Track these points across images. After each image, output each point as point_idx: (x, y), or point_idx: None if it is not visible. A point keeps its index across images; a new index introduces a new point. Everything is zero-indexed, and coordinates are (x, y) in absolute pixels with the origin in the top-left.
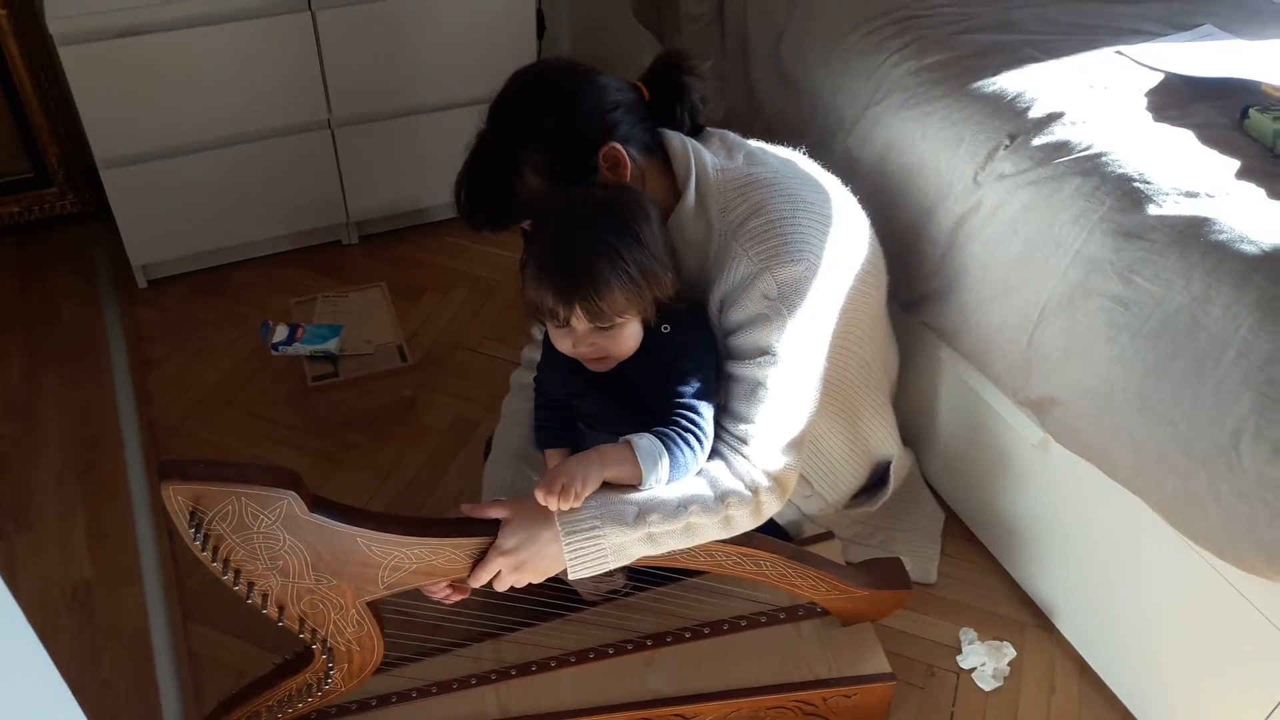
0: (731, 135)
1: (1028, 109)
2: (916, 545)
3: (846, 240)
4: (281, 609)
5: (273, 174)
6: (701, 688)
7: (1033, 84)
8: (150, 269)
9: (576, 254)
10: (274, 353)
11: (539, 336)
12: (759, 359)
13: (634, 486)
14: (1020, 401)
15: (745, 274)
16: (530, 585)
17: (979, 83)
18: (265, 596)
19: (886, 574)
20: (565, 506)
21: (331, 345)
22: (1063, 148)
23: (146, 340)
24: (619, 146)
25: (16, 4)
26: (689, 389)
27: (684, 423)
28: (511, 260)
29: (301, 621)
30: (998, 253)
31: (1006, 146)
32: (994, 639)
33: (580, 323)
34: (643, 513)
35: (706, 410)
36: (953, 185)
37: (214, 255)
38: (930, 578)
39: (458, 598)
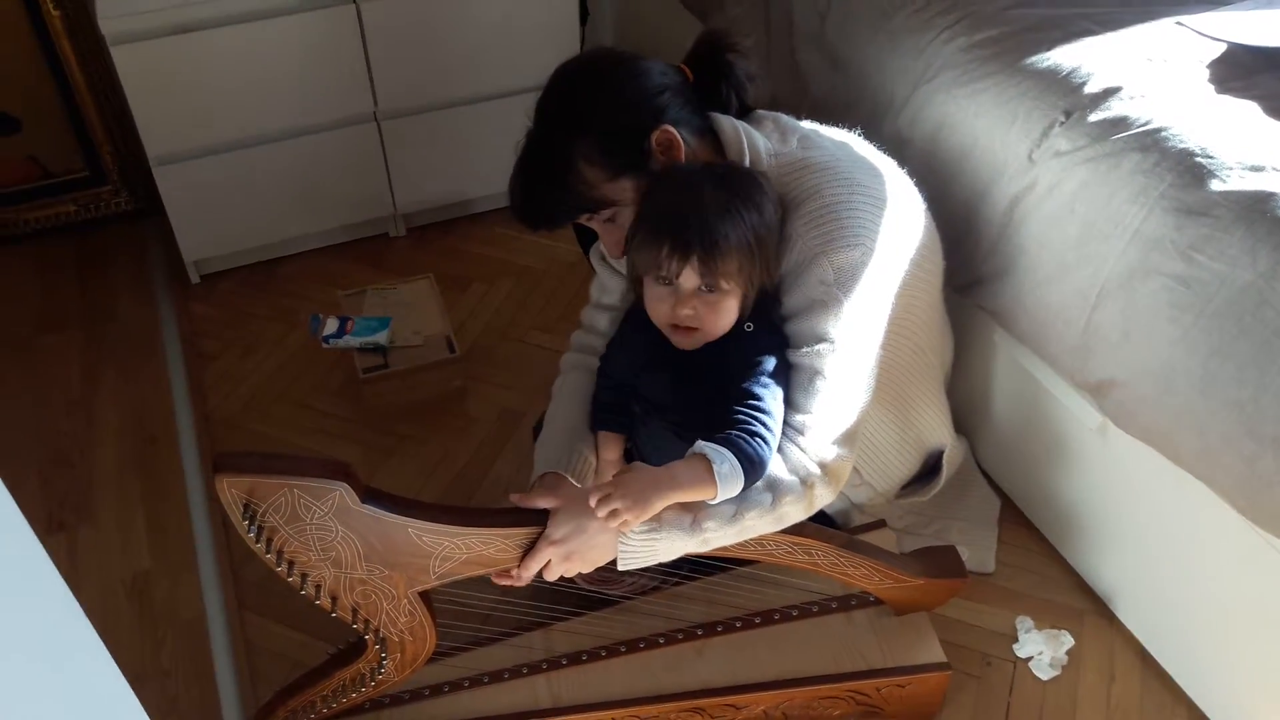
0: (785, 118)
1: (1083, 84)
2: (972, 534)
3: (902, 223)
4: (334, 600)
5: (320, 168)
6: (753, 677)
7: (1088, 58)
8: (202, 264)
9: (702, 208)
10: (325, 345)
11: (599, 298)
12: (817, 347)
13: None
14: (1078, 385)
15: (802, 258)
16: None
17: (1033, 58)
18: (318, 588)
19: (941, 562)
20: (613, 523)
21: (381, 337)
22: (1120, 123)
23: (200, 335)
24: (670, 129)
25: (70, 5)
26: (765, 390)
27: (760, 429)
28: (556, 250)
29: (354, 612)
30: (1054, 232)
31: (1062, 123)
32: (1052, 627)
33: (689, 279)
34: (699, 520)
35: (777, 412)
36: (1007, 164)
37: (264, 249)
38: (988, 566)
39: (516, 584)
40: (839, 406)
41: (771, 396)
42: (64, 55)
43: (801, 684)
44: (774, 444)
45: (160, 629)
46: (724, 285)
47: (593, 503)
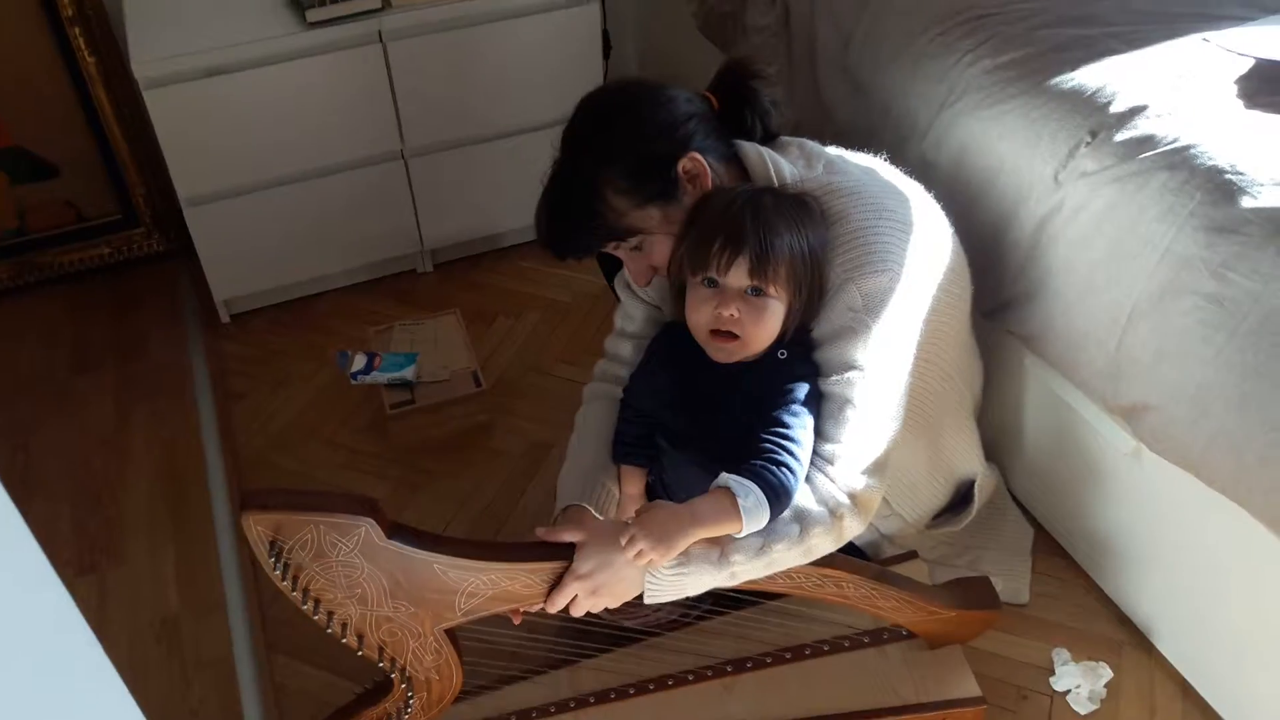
0: (810, 143)
1: (1109, 103)
2: (1005, 564)
3: (930, 248)
4: (361, 638)
5: (348, 206)
6: (783, 714)
7: (1114, 77)
8: (233, 303)
9: (760, 210)
10: (353, 381)
11: (624, 326)
12: (847, 375)
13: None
14: (1110, 408)
15: (829, 285)
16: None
17: (1057, 78)
18: (344, 625)
19: (974, 593)
20: (641, 561)
21: (408, 373)
22: (1147, 142)
23: (230, 373)
24: (698, 156)
25: (105, 53)
26: (794, 419)
27: (785, 458)
28: (581, 282)
29: (380, 650)
30: (1082, 253)
31: (1088, 143)
32: (1089, 659)
33: (738, 278)
34: (726, 553)
35: (806, 441)
36: (1033, 185)
37: (293, 288)
38: (1022, 597)
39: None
40: (869, 435)
41: (800, 425)
42: (99, 102)
43: None
44: (800, 473)
45: (189, 670)
46: (772, 291)
47: (622, 542)
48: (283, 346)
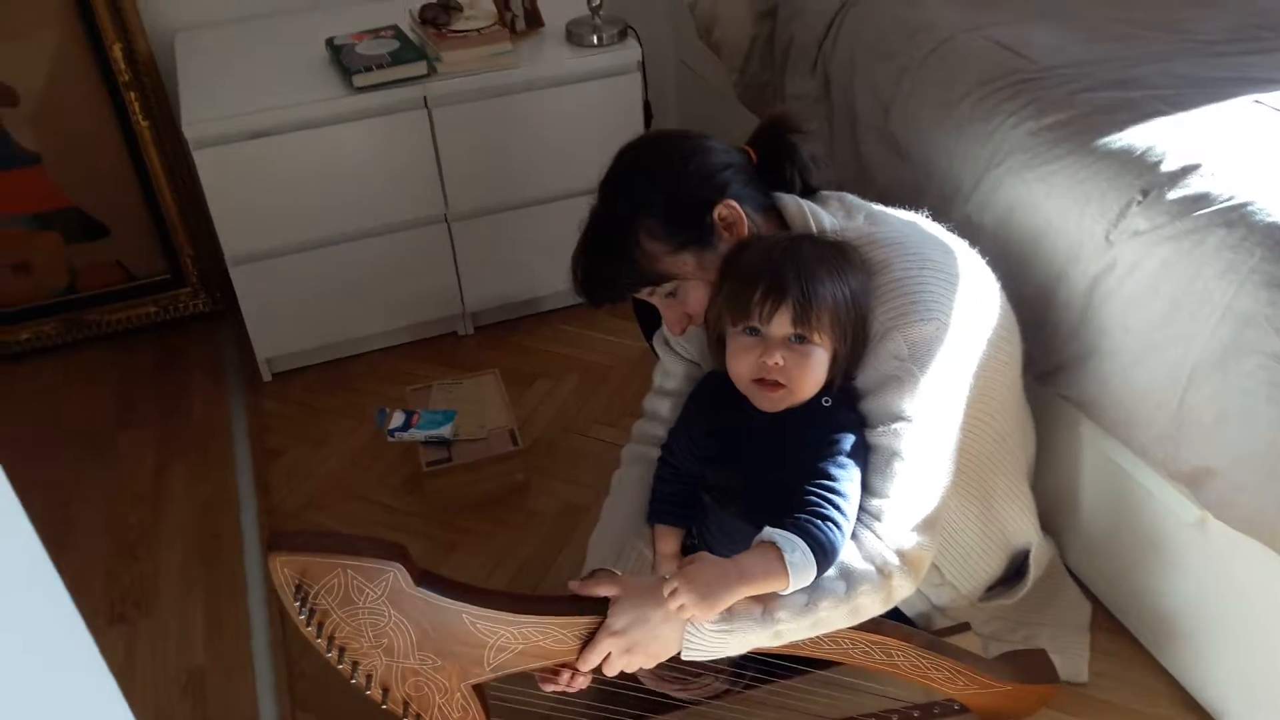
0: (850, 197)
1: (1159, 162)
2: (1063, 640)
3: (977, 301)
4: (386, 691)
5: (392, 268)
6: None
7: (1163, 137)
8: (275, 362)
9: (800, 258)
10: (390, 439)
11: (662, 383)
12: (894, 426)
13: None
14: (1172, 475)
15: (873, 334)
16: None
17: (1104, 139)
18: (369, 678)
19: (1031, 666)
20: (682, 618)
21: (445, 430)
22: (1202, 199)
23: (269, 431)
24: (734, 204)
25: (158, 116)
26: (840, 470)
27: (832, 512)
28: (623, 346)
29: (406, 705)
30: (1138, 313)
31: (1139, 202)
32: None
33: (781, 326)
34: (771, 611)
35: (853, 495)
36: (1083, 245)
37: (335, 348)
38: (1081, 676)
39: (578, 685)
40: (917, 490)
41: (847, 478)
42: (151, 164)
43: None
44: (847, 529)
45: None
46: (816, 338)
47: (665, 593)
48: (323, 405)
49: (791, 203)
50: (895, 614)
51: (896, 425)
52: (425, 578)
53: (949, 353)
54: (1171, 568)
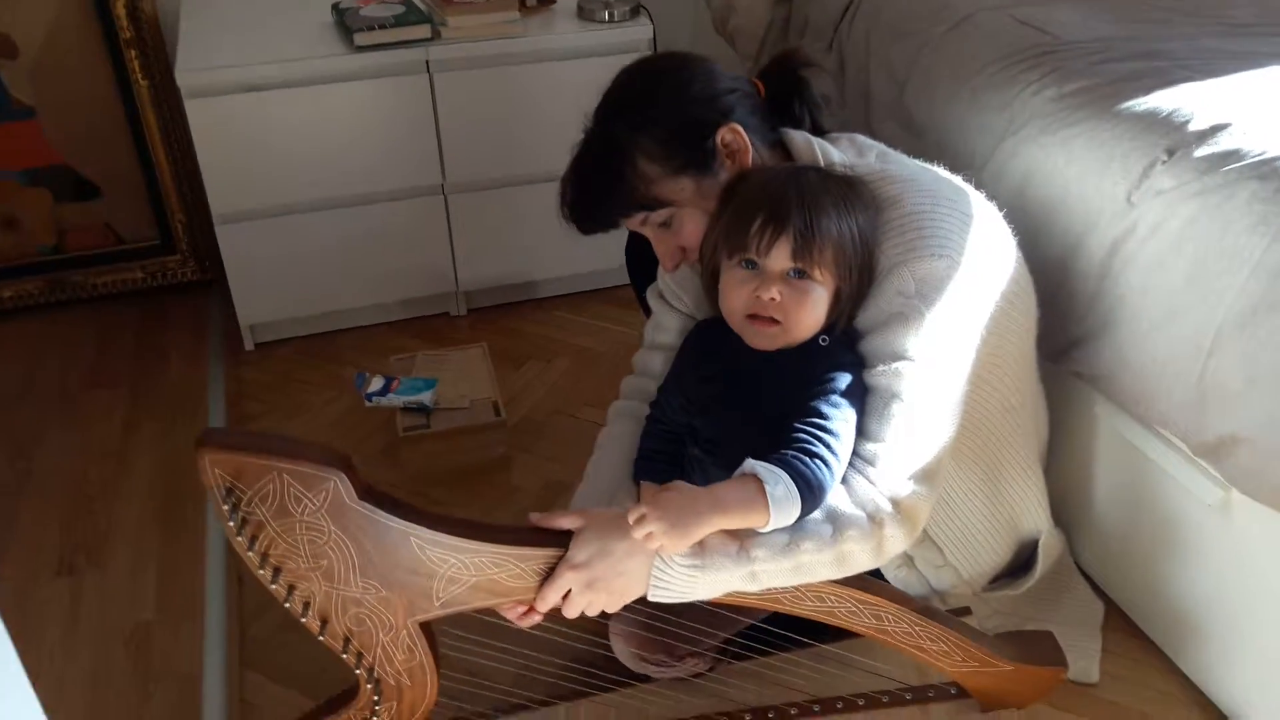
0: (861, 137)
1: (1186, 122)
2: (1073, 639)
3: (991, 247)
4: (324, 623)
5: (385, 238)
6: None
7: (1190, 100)
8: (259, 330)
9: (803, 187)
10: (367, 403)
11: (654, 338)
12: (895, 365)
13: None
14: (1194, 448)
15: (879, 270)
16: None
17: (1128, 103)
18: (307, 605)
19: (1036, 647)
20: (650, 548)
21: (425, 397)
22: (1232, 155)
23: (246, 398)
24: (739, 129)
25: (157, 77)
26: (834, 409)
27: (820, 449)
28: (618, 333)
29: (346, 641)
30: (1159, 276)
31: (1164, 161)
32: None
33: (779, 260)
34: (747, 548)
35: (845, 435)
36: (1103, 209)
37: (321, 320)
38: (1092, 676)
39: (529, 620)
40: (916, 436)
41: (840, 417)
42: (147, 125)
43: None
44: (837, 469)
45: (152, 682)
46: (817, 274)
47: (631, 520)
48: (303, 375)
49: (800, 138)
50: None
51: (897, 364)
52: (370, 493)
53: (959, 294)
54: (1190, 558)
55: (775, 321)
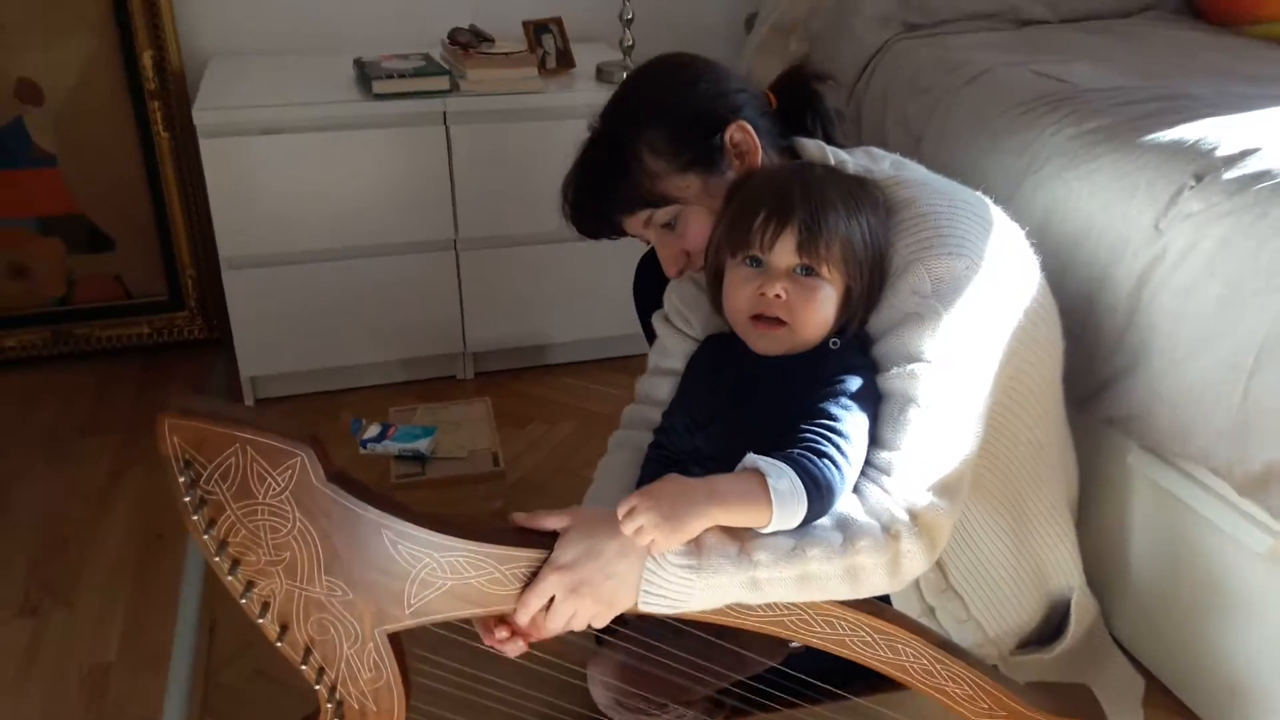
0: (875, 148)
1: (1214, 149)
2: (1112, 714)
3: (1012, 259)
4: (284, 629)
5: (393, 292)
6: None
7: (1216, 131)
8: (260, 385)
9: (809, 182)
10: (362, 450)
11: (659, 363)
12: (909, 367)
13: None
14: (1240, 485)
15: (893, 268)
16: None
17: (1152, 135)
18: (266, 606)
19: (1073, 700)
20: (640, 544)
21: (422, 445)
22: (1263, 175)
23: None
24: (748, 126)
25: (178, 130)
26: (843, 411)
27: (830, 450)
28: (626, 398)
29: (307, 651)
30: (1192, 301)
31: (1192, 187)
32: None
33: (784, 255)
34: (749, 550)
35: (856, 438)
36: (1129, 238)
37: (324, 378)
38: None
39: (513, 649)
40: (935, 445)
41: (851, 419)
42: (165, 179)
43: None
44: (847, 472)
45: None
46: (824, 271)
47: (621, 513)
48: None
49: (811, 144)
50: None
51: (913, 367)
52: (340, 478)
53: (978, 297)
54: (1239, 618)
55: (781, 322)
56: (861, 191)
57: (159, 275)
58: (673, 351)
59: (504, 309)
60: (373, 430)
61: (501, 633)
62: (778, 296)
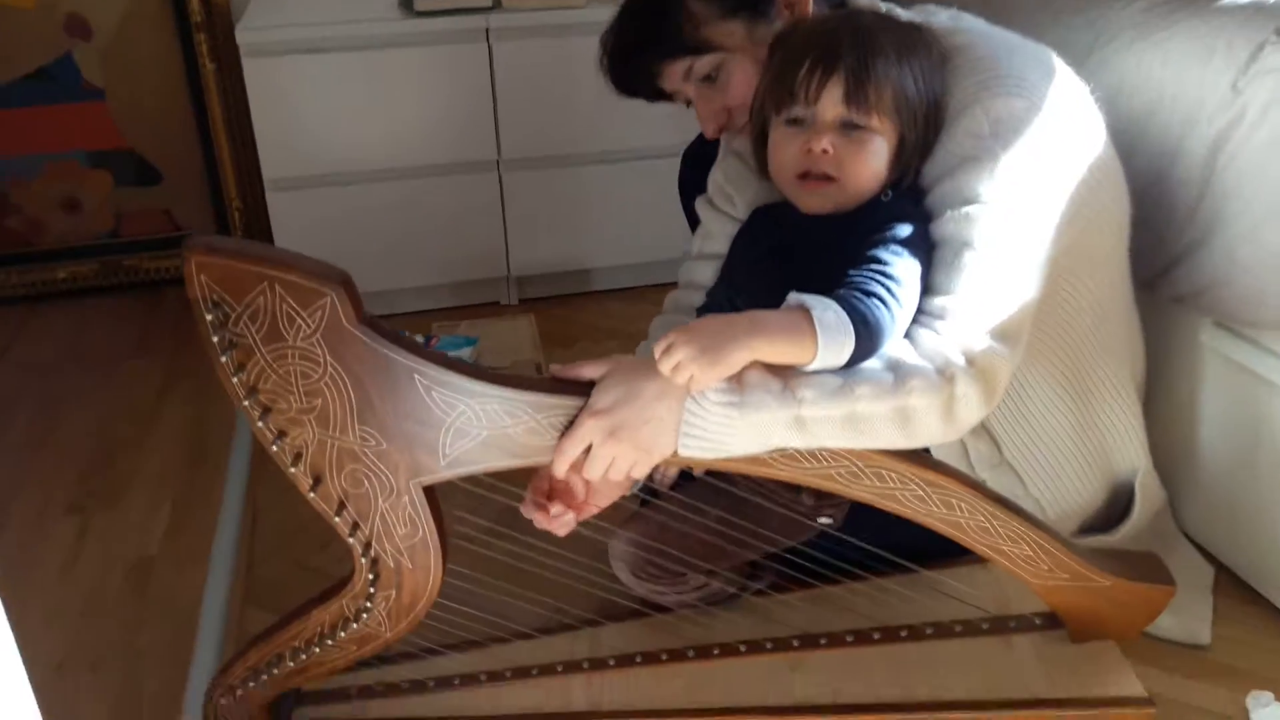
0: (932, 4)
1: None
2: (1181, 599)
3: (1076, 110)
4: (317, 481)
5: (435, 214)
6: (865, 698)
7: None
8: None
9: (861, 28)
10: None
11: (702, 247)
12: (965, 210)
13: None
14: None
15: (948, 111)
16: None
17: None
18: (298, 456)
19: (1139, 565)
20: (680, 378)
21: (465, 354)
22: None
23: None
24: None
25: (224, 61)
26: (894, 256)
27: (878, 289)
28: None
29: (341, 506)
30: (1273, 159)
31: (1274, 42)
32: None
33: (830, 107)
34: (792, 385)
35: (908, 282)
36: (1204, 103)
37: (367, 302)
38: (1203, 638)
39: (560, 525)
40: (992, 290)
41: (901, 264)
42: (211, 111)
43: (937, 710)
44: (898, 314)
45: (146, 611)
46: (874, 122)
47: (659, 352)
48: None
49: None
50: None
51: (968, 209)
52: (373, 321)
53: (1040, 141)
54: None
55: (830, 178)
56: (915, 36)
57: (206, 208)
58: (716, 234)
59: (548, 232)
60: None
61: (556, 508)
62: (825, 151)
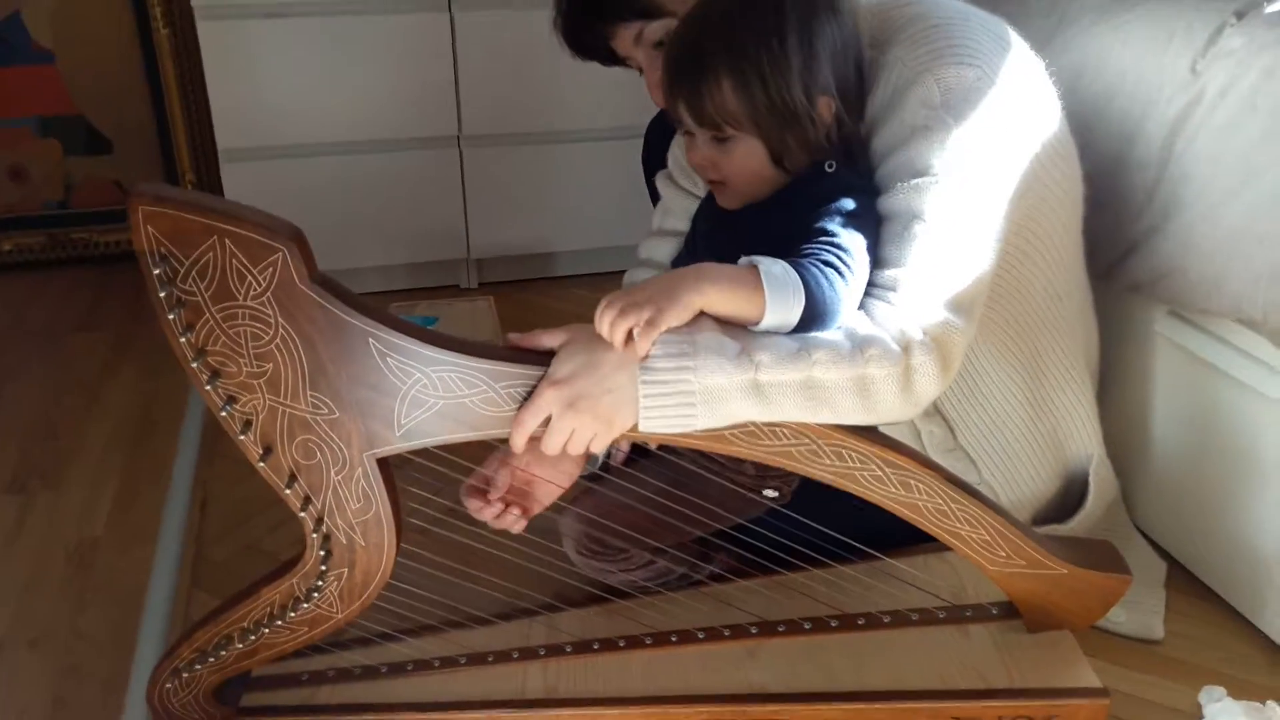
0: None
1: None
2: (1133, 594)
3: (1028, 84)
4: (268, 450)
5: (394, 190)
6: (820, 686)
7: None
8: None
9: (697, 29)
10: None
11: (661, 223)
12: (915, 181)
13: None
14: (1274, 330)
15: (900, 83)
16: None
17: None
18: (248, 424)
19: (1094, 553)
20: (620, 334)
21: None
22: None
23: None
24: None
25: (179, 26)
26: (839, 228)
27: (830, 257)
28: None
29: (292, 477)
30: (1232, 139)
31: (1233, 24)
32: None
33: (692, 124)
34: (749, 349)
35: (856, 252)
36: (1163, 85)
37: None
38: (1155, 632)
39: (511, 522)
40: (944, 261)
41: (847, 235)
42: (165, 79)
43: (894, 699)
44: (850, 280)
45: (90, 594)
46: (728, 129)
47: (597, 316)
48: None
49: None
50: None
51: (918, 181)
52: (326, 280)
53: (992, 112)
54: (1269, 489)
55: (721, 182)
56: (780, 11)
57: (158, 180)
58: (675, 210)
59: (510, 212)
60: None
61: (496, 506)
62: (700, 163)
